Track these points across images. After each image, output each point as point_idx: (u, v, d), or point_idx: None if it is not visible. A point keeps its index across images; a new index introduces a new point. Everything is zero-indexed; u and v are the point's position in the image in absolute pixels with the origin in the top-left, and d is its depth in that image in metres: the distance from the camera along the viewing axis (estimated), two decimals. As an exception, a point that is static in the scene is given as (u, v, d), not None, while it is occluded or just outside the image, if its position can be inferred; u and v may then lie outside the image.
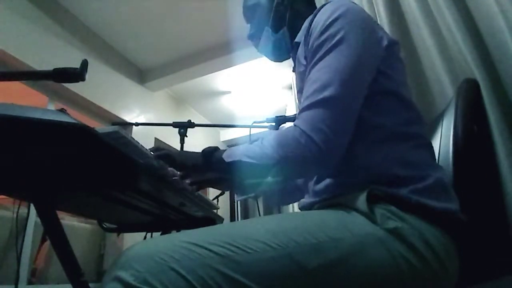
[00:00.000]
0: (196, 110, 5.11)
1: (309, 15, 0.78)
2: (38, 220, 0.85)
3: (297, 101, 0.87)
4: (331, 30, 0.67)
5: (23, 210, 2.16)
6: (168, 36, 3.49)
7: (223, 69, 3.89)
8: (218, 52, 3.66)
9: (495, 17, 0.80)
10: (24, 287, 2.34)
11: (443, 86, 1.06)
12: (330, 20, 0.68)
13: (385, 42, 0.71)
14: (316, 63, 0.67)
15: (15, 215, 1.67)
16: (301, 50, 0.76)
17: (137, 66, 3.94)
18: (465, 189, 0.68)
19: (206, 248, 0.49)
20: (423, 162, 0.65)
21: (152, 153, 0.73)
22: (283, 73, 4.21)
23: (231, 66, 3.82)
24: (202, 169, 0.75)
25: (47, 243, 2.51)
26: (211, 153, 0.74)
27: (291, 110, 4.18)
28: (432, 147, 0.71)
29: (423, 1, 1.14)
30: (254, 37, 0.95)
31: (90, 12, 3.11)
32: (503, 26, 0.78)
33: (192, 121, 1.51)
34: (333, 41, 0.66)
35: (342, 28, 0.67)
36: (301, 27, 0.81)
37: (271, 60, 0.97)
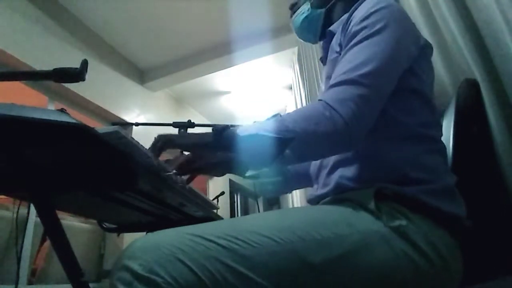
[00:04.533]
0: (196, 110, 5.11)
1: (349, 10, 0.78)
2: (38, 220, 0.85)
3: (322, 88, 0.88)
4: (372, 19, 0.67)
5: (23, 210, 2.15)
6: (168, 36, 3.49)
7: (223, 69, 3.89)
8: (218, 52, 3.66)
9: (495, 17, 0.80)
10: (24, 287, 2.34)
11: (443, 86, 1.06)
12: (372, 10, 0.68)
13: (422, 42, 0.72)
14: (352, 47, 0.67)
15: (15, 215, 1.67)
16: (336, 39, 0.77)
17: (137, 66, 3.94)
18: (465, 189, 0.68)
19: (212, 241, 0.50)
20: (435, 167, 0.65)
21: (152, 146, 0.67)
22: (283, 73, 4.21)
23: (231, 66, 3.82)
24: (210, 147, 0.68)
25: (47, 243, 2.51)
26: (223, 130, 0.67)
27: (291, 110, 4.17)
28: (445, 152, 0.71)
29: (423, 1, 1.14)
30: (294, 7, 0.95)
31: (90, 12, 3.11)
32: (503, 26, 0.78)
33: (192, 121, 1.51)
34: (374, 29, 0.66)
35: (382, 18, 0.67)
36: (337, 17, 0.83)
37: (297, 33, 0.96)
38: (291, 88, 4.23)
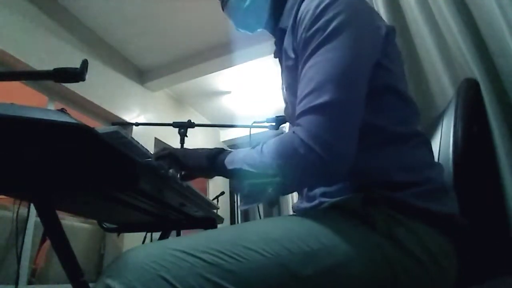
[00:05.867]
0: (196, 110, 5.11)
1: None
2: (38, 220, 0.85)
3: (284, 97, 0.79)
4: (322, 20, 0.59)
5: (23, 210, 2.16)
6: (168, 36, 3.49)
7: (223, 69, 3.90)
8: (218, 52, 3.66)
9: (495, 17, 0.80)
10: (24, 287, 2.34)
11: (443, 86, 1.06)
12: (321, 7, 0.60)
13: (383, 31, 0.65)
14: (308, 59, 0.60)
15: (15, 215, 1.67)
16: (288, 41, 0.69)
17: (137, 66, 3.94)
18: (465, 189, 0.68)
19: (196, 256, 0.48)
20: (422, 164, 0.63)
21: (155, 154, 0.74)
22: (283, 73, 4.21)
23: (231, 66, 3.83)
24: (206, 171, 0.75)
25: (47, 243, 2.51)
26: (215, 156, 0.71)
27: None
28: (429, 142, 0.69)
29: (423, 1, 1.14)
30: None
31: (90, 12, 3.11)
32: (503, 26, 0.78)
33: (192, 121, 1.51)
34: (326, 33, 0.58)
35: (334, 17, 0.59)
36: (285, 4, 0.72)
37: (236, 25, 0.84)
38: (291, 88, 4.22)
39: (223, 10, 0.86)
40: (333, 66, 0.57)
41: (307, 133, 0.56)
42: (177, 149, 0.78)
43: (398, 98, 0.66)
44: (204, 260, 0.48)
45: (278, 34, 0.74)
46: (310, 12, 0.61)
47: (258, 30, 0.84)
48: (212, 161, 0.71)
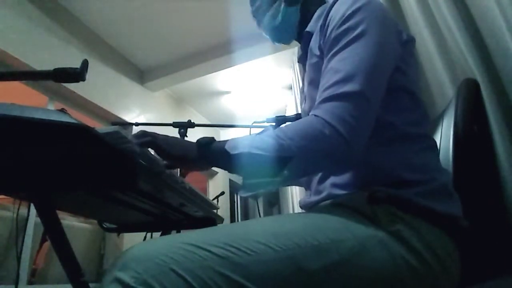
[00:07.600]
0: (196, 110, 5.11)
1: (321, 5, 0.77)
2: (38, 220, 0.85)
3: (304, 95, 0.83)
4: (352, 21, 0.65)
5: (23, 210, 2.15)
6: (168, 36, 3.49)
7: (223, 69, 3.89)
8: (218, 52, 3.66)
9: (495, 17, 0.80)
10: (24, 287, 2.34)
11: (443, 86, 1.06)
12: (350, 10, 0.66)
13: (404, 37, 0.71)
14: (336, 53, 0.64)
15: (15, 215, 1.67)
16: (314, 41, 0.74)
17: (137, 66, 3.94)
18: (465, 188, 0.68)
19: (206, 250, 0.49)
20: (429, 166, 0.64)
21: (135, 138, 0.66)
22: (283, 73, 4.21)
23: (231, 66, 3.82)
24: (195, 161, 0.67)
25: (47, 243, 2.51)
26: (207, 144, 0.66)
27: (291, 110, 4.18)
28: (437, 147, 0.71)
29: (423, 1, 1.14)
30: (259, 11, 0.90)
31: (90, 12, 3.11)
32: (503, 26, 0.78)
33: (192, 121, 1.51)
34: (355, 32, 0.63)
35: (363, 19, 0.64)
36: (312, 15, 0.80)
37: (272, 39, 0.93)
38: (291, 88, 4.23)
39: (258, 27, 0.94)
40: (362, 60, 0.61)
41: (332, 115, 0.58)
42: (159, 136, 0.69)
43: (411, 100, 0.69)
44: (214, 253, 0.48)
45: (305, 38, 0.79)
46: (340, 14, 0.67)
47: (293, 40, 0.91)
48: (205, 149, 0.66)
